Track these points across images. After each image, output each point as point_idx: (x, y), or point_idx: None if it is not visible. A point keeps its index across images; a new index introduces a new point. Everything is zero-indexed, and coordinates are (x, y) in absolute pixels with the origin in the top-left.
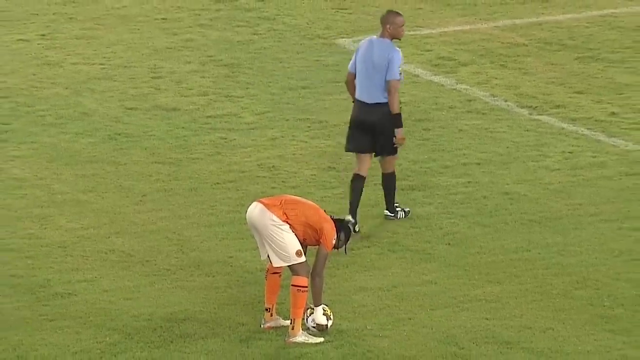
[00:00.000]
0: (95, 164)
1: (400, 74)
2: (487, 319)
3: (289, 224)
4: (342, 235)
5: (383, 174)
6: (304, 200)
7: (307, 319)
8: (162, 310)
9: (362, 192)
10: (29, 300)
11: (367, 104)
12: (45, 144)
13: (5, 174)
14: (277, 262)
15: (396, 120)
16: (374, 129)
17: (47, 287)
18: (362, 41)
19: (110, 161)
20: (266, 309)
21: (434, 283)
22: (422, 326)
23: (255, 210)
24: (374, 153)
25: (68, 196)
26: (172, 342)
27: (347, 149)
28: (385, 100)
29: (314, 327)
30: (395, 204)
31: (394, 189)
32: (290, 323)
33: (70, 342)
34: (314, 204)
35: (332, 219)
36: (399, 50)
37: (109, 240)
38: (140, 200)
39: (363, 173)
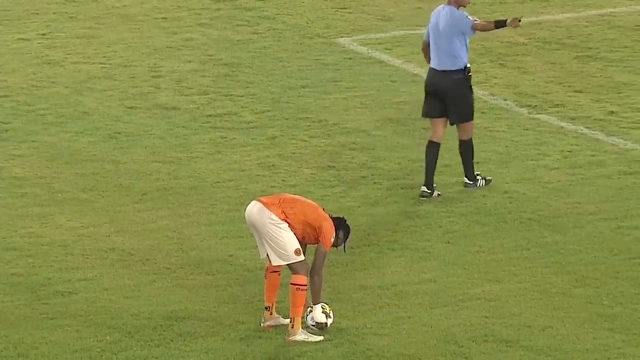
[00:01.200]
0: (96, 163)
1: (473, 20)
2: (486, 318)
3: (287, 222)
4: (341, 234)
5: (459, 140)
6: (302, 198)
7: (307, 317)
8: (162, 309)
9: (438, 159)
10: (29, 299)
11: (437, 70)
12: (45, 143)
13: (5, 173)
14: (276, 261)
15: (499, 25)
16: (444, 96)
17: (48, 286)
18: (434, 10)
19: (110, 160)
20: (266, 308)
21: (433, 281)
22: (421, 324)
23: (254, 209)
24: (447, 120)
25: (68, 195)
26: (172, 340)
27: (422, 115)
28: (453, 68)
29: (313, 325)
30: (477, 173)
31: (472, 157)
32: (290, 322)
33: (71, 341)
34: (313, 202)
35: (331, 217)
36: (463, 11)
37: (109, 238)
38: (140, 199)
39: (437, 140)
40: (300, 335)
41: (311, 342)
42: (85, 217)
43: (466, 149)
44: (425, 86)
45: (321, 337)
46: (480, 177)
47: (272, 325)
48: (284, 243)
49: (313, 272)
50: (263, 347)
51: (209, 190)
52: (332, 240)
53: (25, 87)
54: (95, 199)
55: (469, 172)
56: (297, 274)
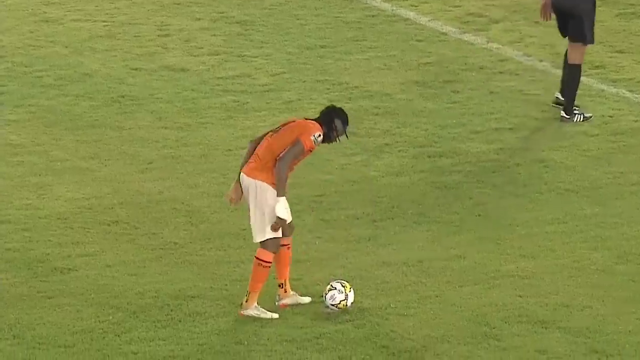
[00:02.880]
0: (98, 129)
1: None
2: (520, 297)
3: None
4: (338, 123)
5: (566, 64)
6: (278, 133)
7: (325, 297)
8: (169, 287)
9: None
10: (26, 276)
11: None
12: (43, 107)
13: (0, 140)
14: (255, 238)
15: None
16: (567, 13)
17: (46, 262)
18: None
19: (113, 126)
20: (279, 285)
21: (462, 258)
22: (450, 304)
23: (243, 183)
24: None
25: (68, 164)
26: (180, 321)
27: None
28: None
29: (332, 305)
30: (575, 106)
31: (576, 87)
32: (245, 295)
33: (71, 321)
34: (291, 124)
35: (318, 118)
36: None
37: (112, 211)
38: (146, 168)
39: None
40: (253, 311)
41: (265, 319)
42: (86, 187)
43: (571, 74)
44: (553, 6)
45: (276, 315)
46: (578, 112)
47: (289, 304)
48: (266, 216)
49: (279, 159)
50: (278, 328)
51: (220, 159)
52: (314, 139)
53: (22, 46)
54: (97, 167)
55: (568, 104)
56: (265, 249)
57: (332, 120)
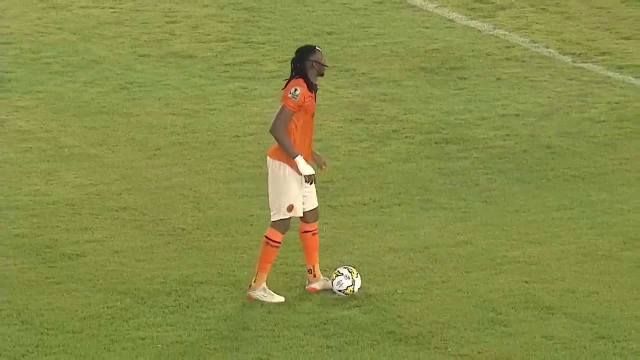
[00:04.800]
0: (106, 116)
1: None
2: (526, 282)
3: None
4: (307, 62)
5: None
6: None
7: (333, 283)
8: (176, 273)
9: None
10: (34, 262)
11: None
12: (51, 94)
13: (9, 126)
14: (272, 216)
15: None
16: None
17: (54, 248)
18: None
19: (121, 112)
20: (308, 270)
21: (469, 244)
22: (456, 290)
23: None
24: None
25: (76, 150)
26: (187, 307)
27: None
28: None
29: (339, 291)
30: None
31: None
32: (254, 276)
33: (79, 307)
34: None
35: (292, 72)
36: None
37: (120, 197)
38: (154, 155)
39: None
40: (260, 292)
41: (269, 303)
42: (94, 173)
43: None
44: None
45: (281, 299)
46: None
47: (318, 290)
48: (281, 193)
49: (271, 129)
50: (285, 314)
51: (227, 145)
52: (292, 94)
53: (30, 33)
54: (105, 154)
55: None
56: (275, 229)
57: (302, 66)
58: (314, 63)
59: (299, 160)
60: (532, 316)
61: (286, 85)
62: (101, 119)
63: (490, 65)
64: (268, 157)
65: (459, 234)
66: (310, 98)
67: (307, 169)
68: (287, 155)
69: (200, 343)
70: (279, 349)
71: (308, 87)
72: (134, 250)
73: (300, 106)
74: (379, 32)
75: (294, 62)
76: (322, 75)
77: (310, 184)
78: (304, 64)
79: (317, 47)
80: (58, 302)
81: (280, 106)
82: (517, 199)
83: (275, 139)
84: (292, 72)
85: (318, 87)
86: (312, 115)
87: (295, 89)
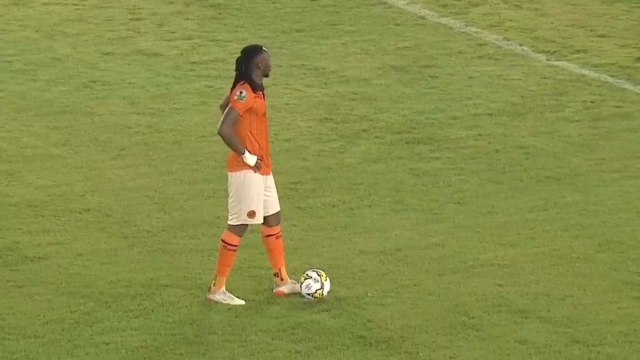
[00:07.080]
0: (69, 115)
1: None
2: (499, 286)
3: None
4: (251, 62)
5: None
6: None
7: (301, 285)
8: (141, 276)
9: None
10: None
11: None
12: (13, 93)
13: None
14: (230, 220)
15: None
16: None
17: (16, 251)
18: None
19: (85, 112)
20: (274, 274)
21: (441, 246)
22: (428, 293)
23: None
24: None
25: (38, 150)
26: (153, 311)
27: None
28: None
29: (308, 294)
30: None
31: None
32: (213, 279)
33: (41, 311)
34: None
35: (237, 76)
36: None
37: (83, 198)
38: (118, 155)
39: None
40: (220, 295)
41: (229, 305)
42: (57, 174)
43: None
44: None
45: (242, 302)
46: None
47: (286, 293)
48: (240, 202)
49: (219, 126)
50: (253, 318)
51: (193, 145)
52: (238, 97)
53: None
54: (69, 154)
55: None
56: (231, 232)
57: (247, 66)
58: (259, 64)
59: (248, 155)
60: (506, 320)
61: (233, 86)
62: (64, 118)
63: (463, 64)
64: (228, 173)
65: (430, 236)
66: (256, 98)
67: (251, 160)
68: (243, 161)
69: (166, 348)
70: (246, 354)
71: (252, 89)
72: (97, 252)
73: (249, 108)
74: (349, 29)
75: (238, 62)
76: (267, 76)
77: (259, 168)
78: (248, 65)
79: (263, 47)
80: (20, 306)
81: (228, 108)
82: (490, 200)
83: (223, 138)
84: (235, 71)
85: (264, 86)
86: (264, 115)
87: (241, 92)
